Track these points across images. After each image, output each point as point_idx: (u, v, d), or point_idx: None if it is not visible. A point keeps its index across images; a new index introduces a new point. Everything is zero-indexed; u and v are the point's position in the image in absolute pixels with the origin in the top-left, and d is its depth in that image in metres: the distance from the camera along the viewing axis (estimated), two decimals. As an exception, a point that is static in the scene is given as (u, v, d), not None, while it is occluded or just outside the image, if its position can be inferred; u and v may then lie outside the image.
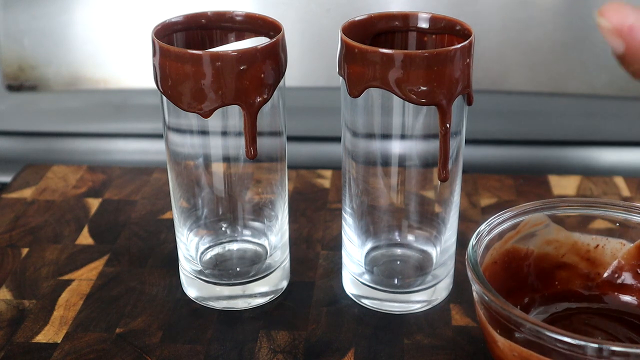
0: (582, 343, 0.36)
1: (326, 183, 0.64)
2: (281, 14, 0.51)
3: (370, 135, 0.47)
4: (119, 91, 0.75)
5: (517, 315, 0.38)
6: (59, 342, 0.46)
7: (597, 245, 0.48)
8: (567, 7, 0.69)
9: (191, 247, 0.50)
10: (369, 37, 0.47)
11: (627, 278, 0.47)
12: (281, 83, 0.45)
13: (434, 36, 0.47)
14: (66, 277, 0.52)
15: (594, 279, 0.48)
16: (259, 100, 0.43)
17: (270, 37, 0.45)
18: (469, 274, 0.41)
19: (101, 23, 0.71)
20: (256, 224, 0.51)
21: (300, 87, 0.71)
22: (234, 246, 0.52)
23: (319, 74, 0.71)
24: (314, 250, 0.55)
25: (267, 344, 0.46)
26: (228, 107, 0.43)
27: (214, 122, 0.46)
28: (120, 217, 0.59)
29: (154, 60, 0.44)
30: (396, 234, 0.50)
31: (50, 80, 0.74)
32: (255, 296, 0.50)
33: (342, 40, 0.43)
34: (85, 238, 0.57)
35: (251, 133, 0.43)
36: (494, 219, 0.46)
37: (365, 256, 0.50)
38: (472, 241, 0.44)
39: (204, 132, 0.47)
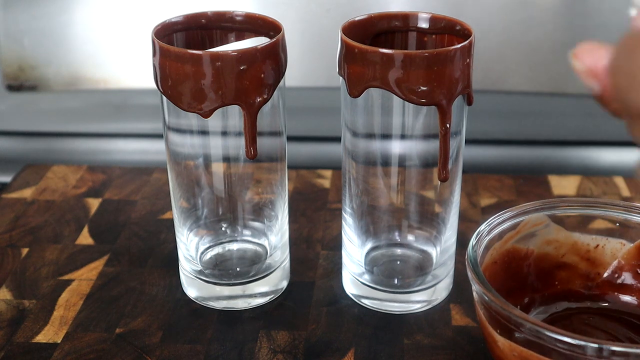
0: (582, 343, 0.36)
1: (326, 183, 0.64)
2: (281, 14, 0.51)
3: (370, 135, 0.47)
4: (119, 91, 0.75)
5: (517, 315, 0.38)
6: (59, 342, 0.46)
7: (597, 245, 0.48)
8: (567, 7, 0.69)
9: (191, 247, 0.50)
10: (369, 37, 0.47)
11: (627, 278, 0.47)
12: (281, 83, 0.45)
13: (434, 36, 0.47)
14: (66, 277, 0.52)
15: (594, 279, 0.48)
16: (259, 100, 0.43)
17: (270, 37, 0.45)
18: (469, 274, 0.41)
19: (101, 23, 0.71)
20: (256, 224, 0.51)
21: (300, 87, 0.70)
22: (234, 246, 0.52)
23: (319, 74, 0.71)
24: (314, 250, 0.55)
25: (267, 344, 0.46)
26: (228, 107, 0.43)
27: (214, 122, 0.46)
28: (120, 217, 0.59)
29: (154, 60, 0.44)
30: (396, 234, 0.50)
31: (50, 80, 0.74)
32: (255, 296, 0.50)
33: (342, 40, 0.43)
34: (85, 238, 0.57)
35: (251, 133, 0.43)
36: (494, 219, 0.46)
37: (365, 256, 0.50)
38: (472, 241, 0.44)
39: (204, 132, 0.47)
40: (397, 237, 0.50)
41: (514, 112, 0.74)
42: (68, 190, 0.63)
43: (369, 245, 0.50)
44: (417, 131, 0.46)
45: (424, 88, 0.41)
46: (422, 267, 0.50)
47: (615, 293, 0.47)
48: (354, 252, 0.50)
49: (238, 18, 0.47)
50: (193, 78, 0.42)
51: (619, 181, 0.64)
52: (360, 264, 0.50)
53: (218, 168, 0.49)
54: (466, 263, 0.42)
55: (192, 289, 0.50)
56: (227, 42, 0.48)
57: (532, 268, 0.47)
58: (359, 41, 0.43)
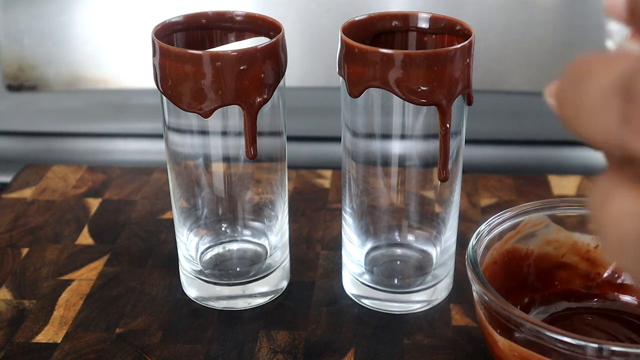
0: (582, 343, 0.36)
1: (326, 183, 0.64)
2: (281, 14, 0.51)
3: (370, 135, 0.47)
4: (119, 91, 0.75)
5: (517, 315, 0.38)
6: (59, 342, 0.46)
7: (597, 245, 0.48)
8: (567, 7, 0.69)
9: (191, 247, 0.50)
10: (369, 37, 0.47)
11: (627, 278, 0.47)
12: (281, 83, 0.45)
13: (434, 36, 0.47)
14: (66, 277, 0.52)
15: (594, 279, 0.48)
16: (259, 100, 0.43)
17: (270, 37, 0.45)
18: (469, 274, 0.41)
19: (101, 23, 0.71)
20: (256, 224, 0.51)
21: (300, 87, 0.71)
22: (234, 246, 0.52)
23: (319, 74, 0.71)
24: (314, 250, 0.55)
25: (267, 344, 0.46)
26: (228, 107, 0.43)
27: (214, 122, 0.46)
28: (120, 217, 0.59)
29: (154, 60, 0.44)
30: (396, 234, 0.50)
31: (50, 80, 0.74)
32: (255, 296, 0.50)
33: (342, 40, 0.43)
34: (85, 238, 0.57)
35: (251, 133, 0.43)
36: (494, 219, 0.46)
37: (365, 256, 0.50)
38: (472, 241, 0.44)
39: (204, 132, 0.47)
40: (397, 237, 0.50)
41: (514, 112, 0.74)
42: (68, 190, 0.63)
43: (369, 245, 0.50)
44: (417, 131, 0.46)
45: (424, 88, 0.41)
46: (422, 267, 0.50)
47: (615, 293, 0.47)
48: (354, 252, 0.50)
49: (238, 18, 0.47)
50: (193, 78, 0.42)
51: (619, 181, 0.64)
52: (360, 264, 0.50)
53: (218, 168, 0.49)
54: (466, 263, 0.42)
55: (192, 289, 0.50)
56: (227, 42, 0.48)
57: (532, 268, 0.47)
58: (359, 41, 0.43)
